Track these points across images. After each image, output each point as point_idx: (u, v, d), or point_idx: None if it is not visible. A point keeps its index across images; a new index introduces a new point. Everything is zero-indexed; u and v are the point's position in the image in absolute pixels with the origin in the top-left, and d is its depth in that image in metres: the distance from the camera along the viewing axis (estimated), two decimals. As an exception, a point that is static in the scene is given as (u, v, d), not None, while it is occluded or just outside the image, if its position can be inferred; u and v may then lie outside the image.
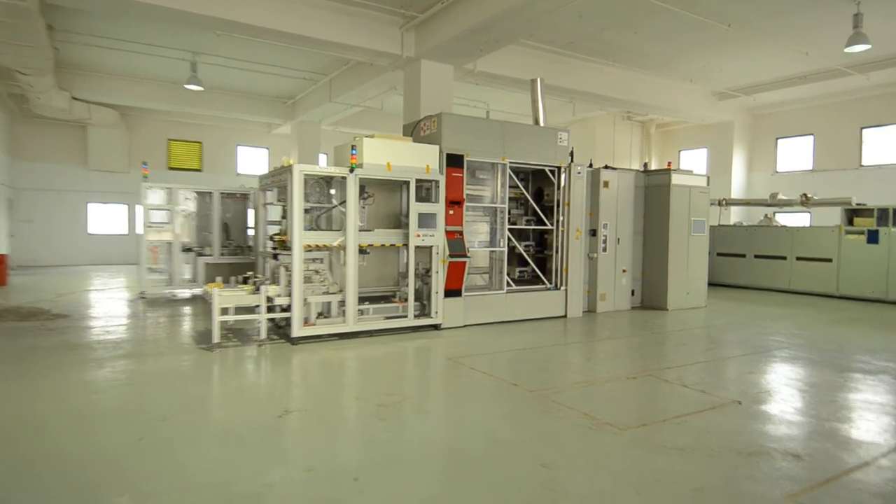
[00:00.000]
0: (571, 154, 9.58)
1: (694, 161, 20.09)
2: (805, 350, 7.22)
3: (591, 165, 10.18)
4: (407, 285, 7.77)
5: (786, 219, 16.78)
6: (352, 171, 7.08)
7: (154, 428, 4.18)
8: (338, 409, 4.79)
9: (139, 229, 11.26)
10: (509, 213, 9.15)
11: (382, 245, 7.66)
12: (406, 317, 7.74)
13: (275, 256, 7.51)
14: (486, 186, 9.04)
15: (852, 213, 12.69)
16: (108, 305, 10.01)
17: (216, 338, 6.69)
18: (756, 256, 14.05)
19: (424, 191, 8.04)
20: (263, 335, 7.02)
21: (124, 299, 10.81)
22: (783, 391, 5.40)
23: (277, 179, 7.62)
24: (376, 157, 7.40)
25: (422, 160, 7.76)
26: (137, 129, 19.41)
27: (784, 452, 3.89)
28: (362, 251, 7.37)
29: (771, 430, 4.32)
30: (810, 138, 17.04)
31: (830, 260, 12.61)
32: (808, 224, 16.47)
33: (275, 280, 7.46)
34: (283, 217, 7.81)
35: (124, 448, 3.83)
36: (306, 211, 7.21)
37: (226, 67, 14.47)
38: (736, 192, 17.76)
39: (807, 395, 5.32)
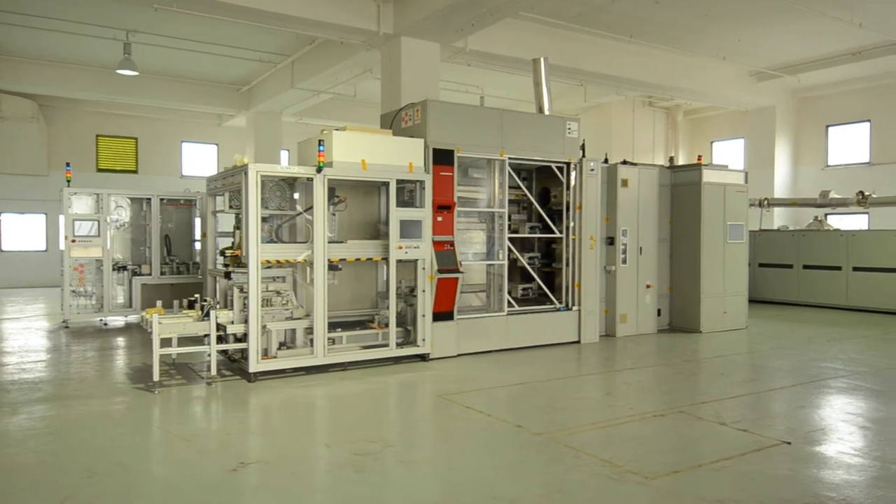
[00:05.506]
0: (583, 147, 9.67)
1: (729, 154, 20.33)
2: (867, 379, 7.28)
3: (606, 161, 10.28)
4: (387, 308, 7.76)
5: (840, 221, 16.96)
6: (319, 170, 7.09)
7: (80, 486, 4.12)
8: (305, 459, 4.75)
9: (61, 244, 11.18)
10: (510, 218, 9.18)
11: (357, 259, 7.66)
12: (387, 346, 7.73)
13: (227, 275, 7.47)
14: (482, 187, 9.09)
15: (918, 214, 12.87)
16: (25, 337, 9.91)
17: (156, 375, 6.64)
18: (805, 267, 14.18)
19: (407, 193, 8.06)
20: (214, 371, 6.97)
21: (43, 329, 10.70)
22: (841, 429, 5.43)
23: (229, 182, 7.61)
24: (349, 154, 7.42)
25: (404, 157, 7.79)
26: (59, 123, 19.33)
27: (843, 502, 3.91)
28: (333, 267, 7.37)
29: (827, 476, 4.34)
30: (866, 125, 17.31)
31: (895, 270, 12.75)
32: (866, 227, 16.66)
33: (227, 304, 7.43)
34: (237, 227, 7.79)
35: (43, 512, 3.77)
36: (265, 219, 7.21)
37: (166, 48, 14.49)
38: (780, 190, 17.98)
39: (869, 432, 5.36)
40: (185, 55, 15.06)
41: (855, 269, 13.32)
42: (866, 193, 14.01)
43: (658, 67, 14.93)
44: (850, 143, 17.75)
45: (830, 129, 18.07)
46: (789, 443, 4.98)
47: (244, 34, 13.41)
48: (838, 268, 13.58)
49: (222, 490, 4.11)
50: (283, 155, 20.42)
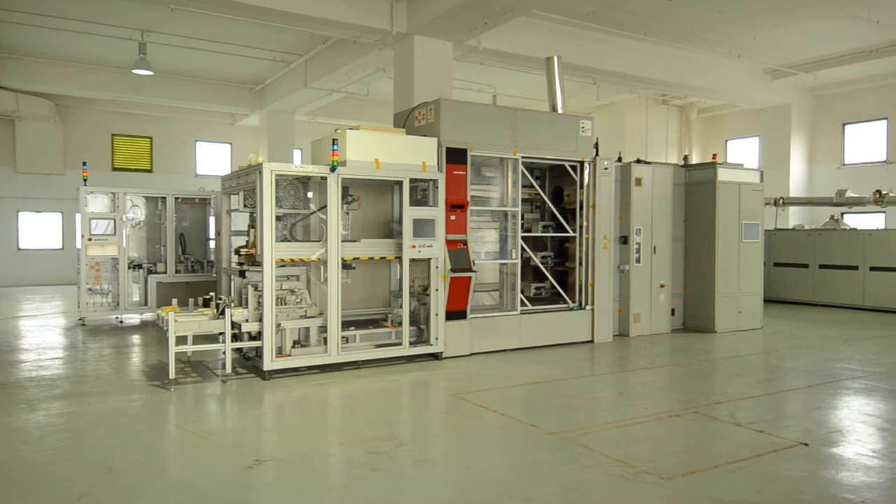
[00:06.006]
0: (596, 146, 9.63)
1: (743, 152, 20.17)
2: (884, 380, 7.19)
3: (619, 159, 10.22)
4: (400, 306, 7.77)
5: (856, 220, 16.79)
6: (333, 169, 7.10)
7: (97, 483, 4.16)
8: (320, 457, 4.77)
9: (78, 242, 11.29)
10: (523, 217, 9.16)
11: (371, 258, 7.67)
12: (400, 344, 7.74)
13: (241, 274, 7.51)
14: (495, 186, 9.07)
15: (936, 213, 12.71)
16: (42, 334, 10.01)
17: (172, 373, 6.68)
18: (821, 266, 14.04)
19: (420, 193, 8.06)
20: (229, 369, 7.01)
21: (60, 327, 10.81)
22: (858, 430, 5.38)
23: (244, 181, 7.65)
24: (362, 153, 7.43)
25: (417, 156, 7.79)
26: (75, 122, 19.50)
27: (862, 505, 3.87)
28: (346, 266, 7.38)
29: (845, 478, 4.30)
30: (883, 123, 17.11)
31: (911, 269, 12.61)
32: (883, 227, 16.47)
33: (242, 302, 7.46)
34: (252, 226, 7.83)
35: (61, 509, 3.80)
36: (279, 218, 7.23)
37: (180, 48, 14.57)
38: (795, 189, 17.81)
39: (888, 434, 5.29)
40: (199, 55, 15.14)
41: (872, 268, 13.18)
42: (883, 192, 13.86)
43: (672, 66, 14.82)
44: (866, 142, 17.55)
45: (847, 126, 17.87)
46: (806, 444, 4.93)
47: (258, 33, 13.46)
48: (855, 267, 13.44)
49: (238, 487, 4.13)
50: (296, 154, 20.49)
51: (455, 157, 8.13)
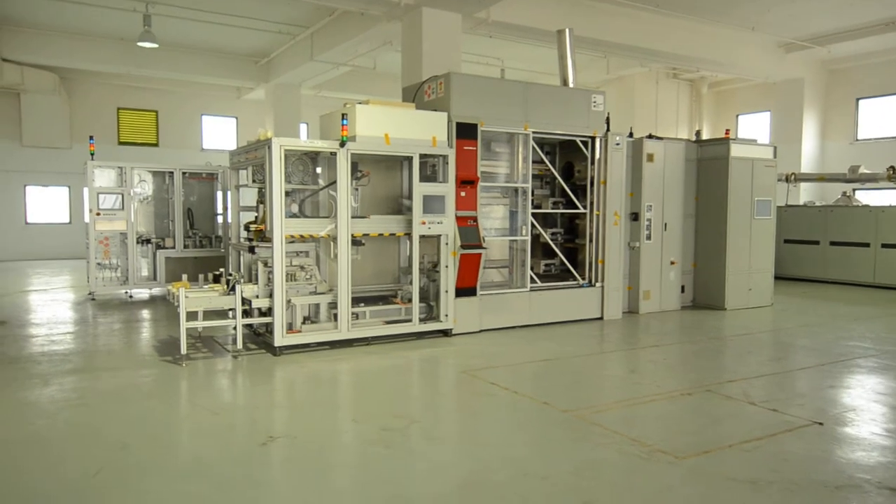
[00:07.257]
0: (608, 121, 9.50)
1: (755, 127, 19.97)
2: (896, 358, 7.17)
3: (631, 135, 10.09)
4: (410, 283, 7.75)
5: (868, 197, 16.63)
6: (342, 144, 7.04)
7: (112, 459, 4.18)
8: (333, 434, 4.78)
9: (86, 217, 11.28)
10: (533, 193, 9.08)
11: (380, 235, 7.63)
12: (410, 321, 7.73)
13: (251, 249, 7.49)
14: (505, 162, 8.99)
15: (950, 190, 12.57)
16: (52, 309, 10.05)
17: (184, 348, 6.70)
18: (832, 243, 13.95)
19: (430, 168, 7.99)
20: (240, 344, 7.03)
21: (70, 301, 10.85)
22: (873, 409, 5.35)
23: (253, 156, 7.58)
24: (372, 128, 7.36)
25: (427, 131, 7.70)
26: (81, 96, 19.41)
27: (879, 485, 3.85)
28: (356, 242, 7.35)
29: (861, 458, 4.28)
30: (898, 98, 16.87)
31: (924, 247, 12.51)
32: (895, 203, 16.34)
33: (251, 278, 7.46)
34: (260, 202, 7.80)
35: (76, 485, 3.82)
36: (288, 194, 7.18)
37: (186, 20, 14.41)
38: (807, 165, 17.64)
39: (901, 413, 5.28)
40: (204, 27, 14.99)
41: (884, 245, 13.07)
42: (897, 168, 13.72)
43: (684, 38, 14.60)
44: (881, 117, 17.32)
45: (861, 101, 17.63)
46: (821, 423, 4.92)
47: (263, 5, 13.30)
48: (866, 244, 13.33)
49: (252, 463, 4.14)
50: (302, 128, 20.37)
51: (465, 132, 8.03)
